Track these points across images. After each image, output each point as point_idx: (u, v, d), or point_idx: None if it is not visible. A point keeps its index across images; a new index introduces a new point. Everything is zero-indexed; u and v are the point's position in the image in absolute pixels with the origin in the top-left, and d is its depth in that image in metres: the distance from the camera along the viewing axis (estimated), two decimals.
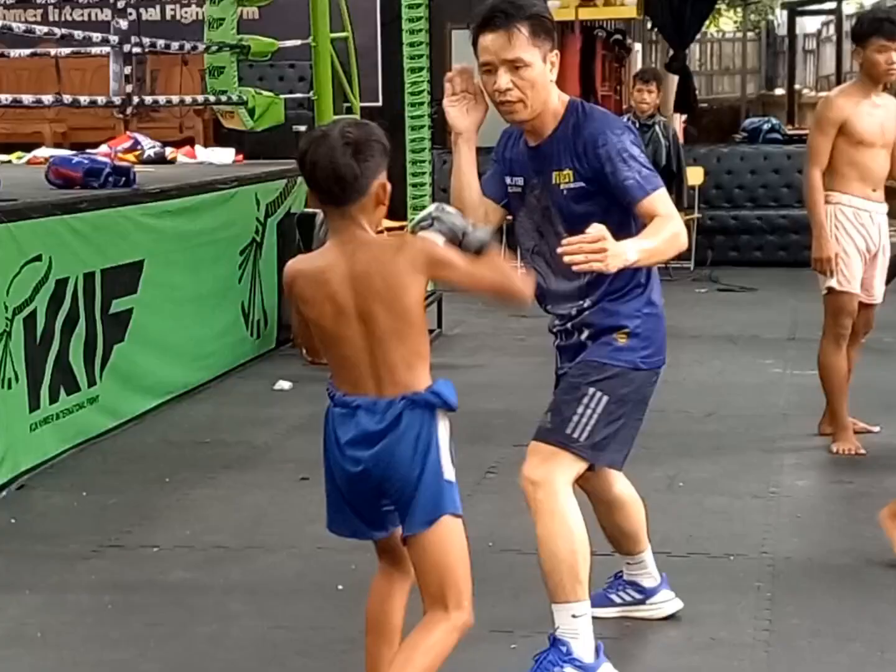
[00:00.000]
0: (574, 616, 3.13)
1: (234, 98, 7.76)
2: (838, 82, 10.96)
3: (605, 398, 3.16)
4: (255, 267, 7.20)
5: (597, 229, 2.86)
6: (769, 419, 5.86)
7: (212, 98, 7.81)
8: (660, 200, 3.08)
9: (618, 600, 3.65)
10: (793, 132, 13.72)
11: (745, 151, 11.34)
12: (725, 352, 7.37)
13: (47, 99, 6.33)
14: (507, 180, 3.28)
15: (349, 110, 8.35)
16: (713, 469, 5.12)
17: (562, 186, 3.15)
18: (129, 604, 3.86)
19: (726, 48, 24.23)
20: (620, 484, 3.46)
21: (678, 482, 4.94)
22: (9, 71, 10.38)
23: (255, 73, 10.47)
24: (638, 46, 16.63)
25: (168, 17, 11.67)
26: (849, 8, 19.57)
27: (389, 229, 6.75)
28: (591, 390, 3.15)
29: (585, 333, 3.23)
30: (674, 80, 13.48)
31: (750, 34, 24.05)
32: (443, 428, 2.71)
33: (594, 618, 3.22)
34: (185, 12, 11.64)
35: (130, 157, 8.04)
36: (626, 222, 3.10)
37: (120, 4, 6.84)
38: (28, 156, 8.85)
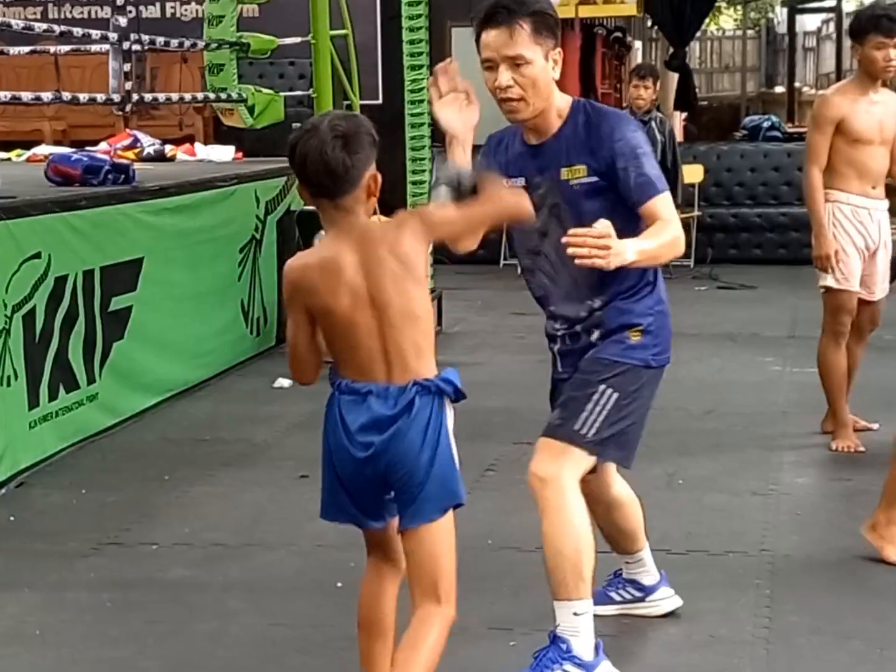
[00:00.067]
0: (576, 614, 3.12)
1: (234, 95, 7.76)
2: (838, 80, 10.94)
3: (616, 395, 3.16)
4: (254, 264, 7.20)
5: (603, 225, 2.89)
6: (769, 417, 5.86)
7: (211, 95, 7.80)
8: (664, 203, 3.11)
9: (617, 598, 3.65)
10: (793, 130, 13.72)
11: (744, 149, 11.34)
12: (725, 349, 7.37)
13: (46, 96, 6.33)
14: (504, 183, 3.23)
15: (349, 108, 8.33)
16: (712, 466, 5.12)
17: (572, 182, 3.14)
18: (128, 601, 3.86)
19: (726, 46, 24.23)
20: (618, 485, 3.47)
21: (678, 480, 4.94)
22: (8, 69, 10.38)
23: (254, 71, 10.47)
24: (638, 44, 16.62)
25: (168, 14, 11.67)
26: (849, 6, 19.56)
27: None
28: (602, 387, 3.15)
29: (596, 334, 3.22)
30: (674, 77, 13.49)
31: (750, 32, 24.06)
32: (450, 416, 2.73)
33: (594, 615, 3.21)
34: (186, 10, 11.64)
35: (130, 154, 8.03)
36: (632, 220, 3.11)
37: (119, 2, 6.84)
38: (28, 153, 8.85)
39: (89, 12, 11.54)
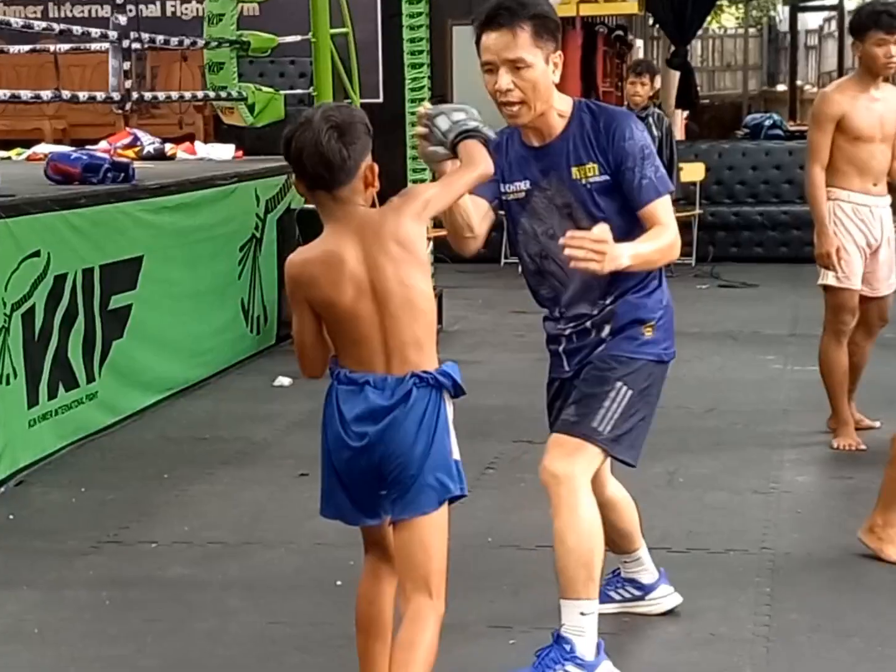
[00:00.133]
0: (583, 614, 3.12)
1: (234, 94, 7.76)
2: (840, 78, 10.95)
3: (630, 392, 3.16)
4: (254, 263, 7.19)
5: (601, 229, 2.91)
6: (769, 415, 5.85)
7: (211, 94, 7.80)
8: (664, 207, 3.13)
9: (616, 597, 3.64)
10: (794, 128, 13.70)
11: (746, 147, 11.34)
12: (726, 348, 7.36)
13: (46, 95, 6.32)
14: (504, 188, 3.22)
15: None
16: (713, 465, 5.11)
17: (584, 181, 3.14)
18: (127, 600, 3.86)
19: (728, 44, 24.22)
20: (612, 485, 3.46)
21: (678, 478, 4.93)
22: (8, 68, 10.38)
23: (255, 70, 10.47)
24: (639, 43, 16.61)
25: (168, 13, 11.66)
26: (851, 4, 19.52)
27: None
28: (619, 384, 3.16)
29: (606, 329, 3.22)
30: (675, 76, 13.47)
31: (752, 30, 24.06)
32: (449, 409, 2.72)
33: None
34: (186, 8, 11.64)
35: (130, 153, 8.03)
36: (638, 220, 3.14)
37: (119, 0, 6.83)
38: (27, 152, 8.84)
39: (90, 11, 11.53)
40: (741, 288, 9.44)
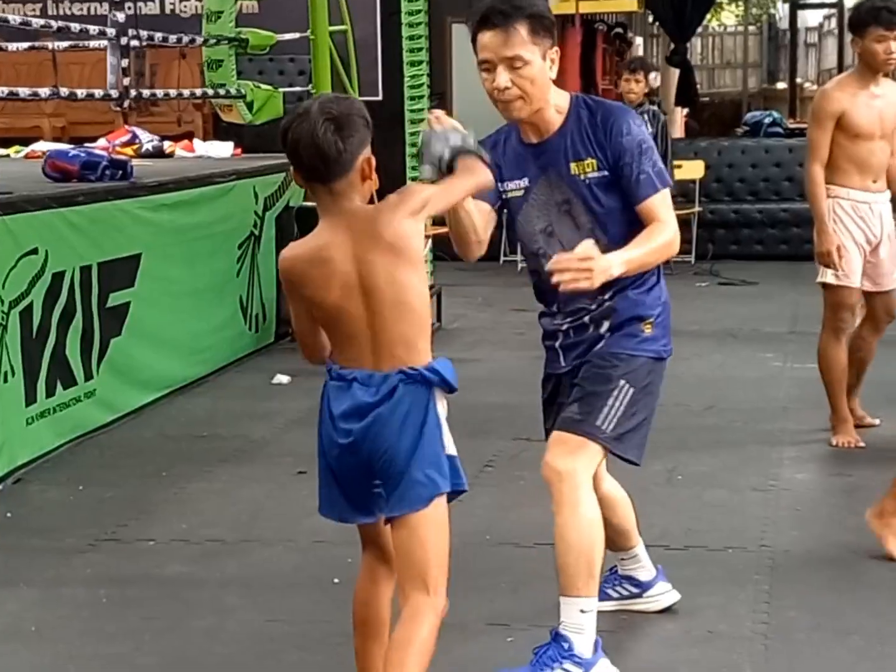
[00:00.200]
0: (582, 611, 3.11)
1: (233, 92, 7.75)
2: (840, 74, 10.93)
3: (632, 390, 3.16)
4: (253, 261, 7.18)
5: (585, 247, 2.94)
6: (769, 413, 5.84)
7: (210, 92, 7.79)
8: (662, 202, 3.13)
9: (614, 595, 3.63)
10: (794, 126, 13.69)
11: (746, 145, 11.32)
12: (726, 345, 7.35)
13: (44, 92, 6.31)
14: (503, 186, 3.21)
15: None
16: (712, 462, 5.10)
17: (582, 176, 3.14)
18: (125, 598, 3.85)
19: (728, 42, 24.20)
20: (608, 483, 3.46)
21: (677, 475, 4.92)
22: (7, 66, 10.37)
23: (254, 67, 10.46)
24: (639, 40, 16.60)
25: (167, 11, 11.65)
26: (850, 1, 19.53)
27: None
28: (622, 382, 3.16)
29: (605, 325, 3.21)
30: (675, 74, 13.47)
31: (751, 28, 24.03)
32: (440, 406, 2.70)
33: None
34: (185, 6, 11.63)
35: (128, 150, 8.02)
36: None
37: None
38: (26, 150, 8.83)
39: (89, 9, 11.52)
40: (741, 285, 9.43)
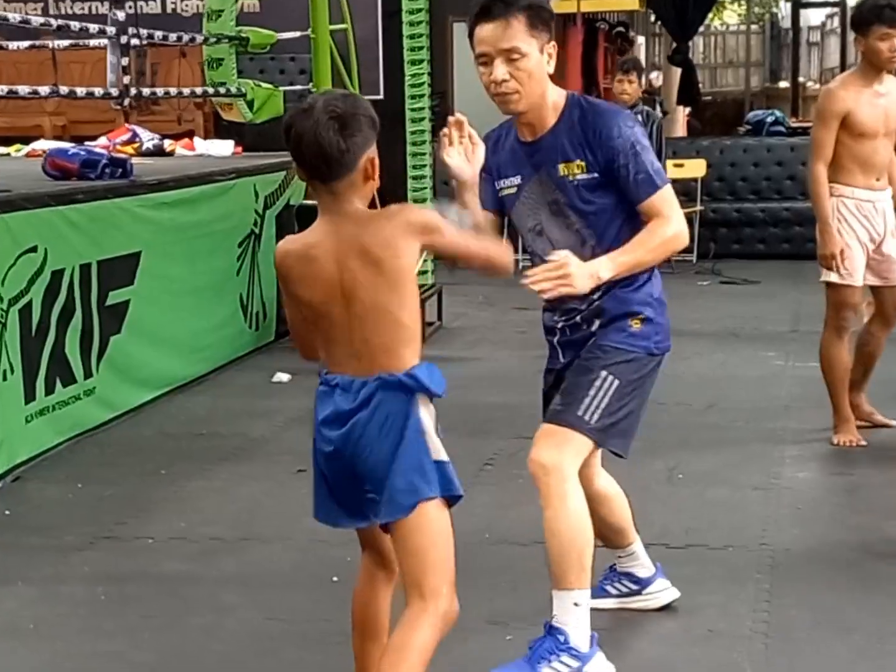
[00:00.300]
0: (575, 604, 3.10)
1: (233, 90, 7.74)
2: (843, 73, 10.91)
3: (617, 382, 3.15)
4: (253, 259, 7.17)
5: (559, 256, 2.94)
6: (771, 411, 5.83)
7: (210, 90, 7.78)
8: (664, 200, 3.11)
9: (613, 591, 3.62)
10: (797, 125, 13.66)
11: (748, 144, 11.31)
12: (727, 344, 7.34)
13: (44, 90, 6.30)
14: (498, 184, 3.21)
15: None
16: (714, 461, 5.09)
17: (570, 178, 3.13)
18: (123, 595, 3.84)
19: (730, 41, 24.20)
20: (602, 479, 3.44)
21: (678, 474, 4.91)
22: (8, 65, 10.37)
23: (255, 66, 10.46)
24: (641, 39, 16.60)
25: (169, 10, 11.65)
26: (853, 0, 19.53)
27: None
28: (604, 373, 3.15)
29: (596, 323, 3.21)
30: (677, 73, 13.47)
31: (754, 27, 24.05)
32: (424, 412, 2.63)
33: (590, 609, 3.18)
34: (186, 5, 11.63)
35: (129, 149, 8.03)
36: (636, 213, 3.11)
37: None
38: (27, 148, 8.83)
39: (89, 7, 11.52)
40: (743, 284, 9.42)
